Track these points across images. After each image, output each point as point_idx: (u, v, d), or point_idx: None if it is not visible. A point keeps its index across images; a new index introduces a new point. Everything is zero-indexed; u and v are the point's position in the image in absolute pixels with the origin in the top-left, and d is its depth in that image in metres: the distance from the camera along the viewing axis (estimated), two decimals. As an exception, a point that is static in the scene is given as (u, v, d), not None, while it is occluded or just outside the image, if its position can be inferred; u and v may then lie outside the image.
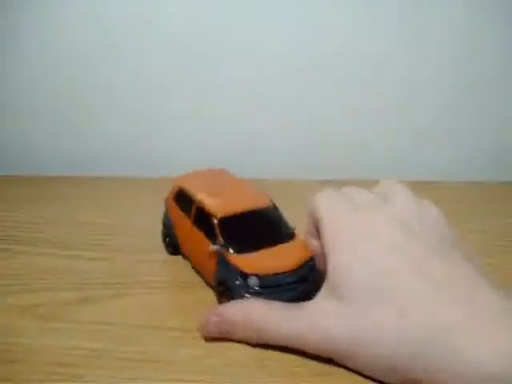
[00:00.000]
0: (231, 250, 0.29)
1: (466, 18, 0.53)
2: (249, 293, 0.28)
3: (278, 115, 0.56)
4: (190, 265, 0.35)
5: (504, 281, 0.25)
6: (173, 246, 0.37)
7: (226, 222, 0.30)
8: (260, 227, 0.31)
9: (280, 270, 0.28)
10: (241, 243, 0.30)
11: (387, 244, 0.25)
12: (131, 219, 0.44)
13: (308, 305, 0.26)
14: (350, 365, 0.25)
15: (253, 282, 0.28)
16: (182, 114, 0.56)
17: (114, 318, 0.30)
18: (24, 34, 0.54)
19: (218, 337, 0.27)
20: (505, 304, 0.22)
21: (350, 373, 0.25)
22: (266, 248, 0.30)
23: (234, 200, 0.32)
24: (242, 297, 0.28)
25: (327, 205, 0.28)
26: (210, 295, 0.32)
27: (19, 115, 0.57)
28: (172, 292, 0.33)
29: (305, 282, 0.29)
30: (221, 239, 0.30)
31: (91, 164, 0.56)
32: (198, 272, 0.34)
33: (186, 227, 0.33)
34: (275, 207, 0.32)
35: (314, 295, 0.27)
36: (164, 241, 0.38)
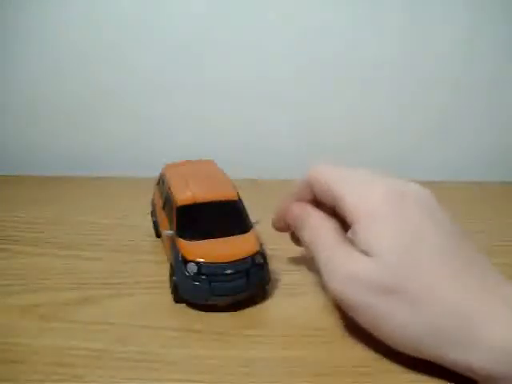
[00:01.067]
0: (180, 237, 0.31)
1: (466, 18, 0.53)
2: (187, 278, 0.29)
3: (278, 115, 0.56)
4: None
5: None
6: (155, 229, 0.39)
7: (185, 209, 0.31)
8: (216, 218, 0.32)
9: (219, 260, 0.29)
10: (192, 231, 0.31)
11: (418, 226, 0.25)
12: (131, 219, 0.44)
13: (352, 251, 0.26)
14: (362, 322, 0.26)
15: (191, 268, 0.29)
16: (182, 115, 0.56)
17: (114, 318, 0.30)
18: (24, 35, 0.54)
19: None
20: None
21: (349, 373, 0.25)
22: (216, 238, 0.30)
23: (201, 190, 0.33)
24: (182, 281, 0.29)
25: (343, 176, 0.29)
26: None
27: (19, 115, 0.57)
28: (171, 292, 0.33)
29: (244, 275, 0.29)
30: (175, 225, 0.31)
31: (91, 164, 0.56)
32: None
33: (159, 211, 0.36)
34: (239, 202, 0.33)
35: (253, 290, 0.30)
36: (153, 224, 0.40)
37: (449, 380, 0.24)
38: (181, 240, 0.31)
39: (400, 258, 0.24)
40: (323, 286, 0.27)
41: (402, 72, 0.55)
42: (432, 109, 0.57)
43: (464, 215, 0.45)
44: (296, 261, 0.37)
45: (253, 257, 0.30)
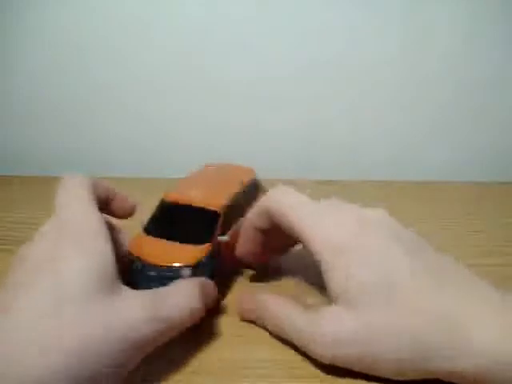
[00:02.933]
0: (145, 230, 0.31)
1: (466, 18, 0.53)
2: (132, 271, 0.29)
3: (278, 115, 0.56)
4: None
5: (504, 281, 0.25)
6: None
7: (166, 206, 0.32)
8: (187, 223, 0.31)
9: (149, 261, 0.29)
10: (156, 228, 0.31)
11: (381, 250, 0.25)
12: (131, 219, 0.44)
13: (321, 310, 0.26)
14: (357, 368, 0.25)
15: (136, 263, 0.29)
16: (182, 115, 0.56)
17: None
18: (24, 36, 0.54)
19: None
20: (497, 293, 0.23)
21: (349, 373, 0.25)
22: (172, 241, 0.30)
23: (195, 193, 0.33)
24: (130, 273, 0.29)
25: (302, 209, 0.28)
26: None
27: (19, 116, 0.57)
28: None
29: (165, 282, 0.28)
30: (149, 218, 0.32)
31: (91, 164, 0.56)
32: None
33: None
34: (218, 214, 0.31)
35: None
36: None
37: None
38: (141, 234, 0.31)
39: (372, 295, 0.24)
40: (307, 352, 0.26)
41: (402, 72, 0.55)
42: (432, 109, 0.57)
43: (463, 215, 0.45)
44: (297, 261, 0.37)
45: (179, 268, 0.29)
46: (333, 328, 0.24)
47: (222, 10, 0.53)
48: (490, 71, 0.55)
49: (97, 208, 0.26)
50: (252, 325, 0.29)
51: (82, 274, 0.22)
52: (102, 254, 0.23)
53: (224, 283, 0.33)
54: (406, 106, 0.56)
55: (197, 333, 0.28)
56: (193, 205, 0.32)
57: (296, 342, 0.26)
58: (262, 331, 0.29)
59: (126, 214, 0.32)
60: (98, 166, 0.56)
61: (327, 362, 0.25)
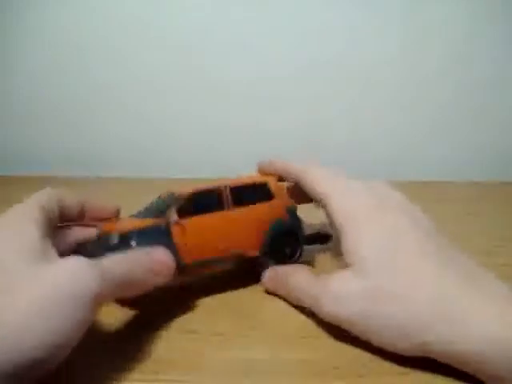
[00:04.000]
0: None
1: (466, 18, 0.53)
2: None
3: (278, 115, 0.56)
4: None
5: (504, 281, 0.25)
6: None
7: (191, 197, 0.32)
8: (158, 203, 0.32)
9: (102, 229, 0.30)
10: (140, 211, 0.33)
11: (397, 227, 0.27)
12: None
13: (331, 274, 0.28)
14: (359, 332, 0.26)
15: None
16: (182, 115, 0.56)
17: (114, 318, 0.30)
18: (24, 36, 0.54)
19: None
20: (496, 280, 0.24)
21: (349, 373, 0.25)
22: (136, 217, 0.32)
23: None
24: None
25: (333, 183, 0.30)
26: (209, 296, 0.32)
27: (19, 116, 0.57)
28: (172, 292, 0.33)
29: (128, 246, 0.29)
30: None
31: (91, 164, 0.57)
32: None
33: None
34: (180, 196, 0.31)
35: None
36: None
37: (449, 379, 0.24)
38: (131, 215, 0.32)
39: (380, 262, 0.26)
40: (317, 314, 0.28)
41: (402, 72, 0.55)
42: (432, 109, 0.57)
43: (463, 215, 0.45)
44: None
45: (110, 235, 0.29)
46: (338, 286, 0.26)
47: (222, 10, 0.53)
48: (490, 71, 0.55)
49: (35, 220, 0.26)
50: (252, 325, 0.29)
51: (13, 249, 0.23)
52: (24, 232, 0.24)
53: (224, 284, 0.33)
54: (406, 105, 0.56)
55: (197, 333, 0.28)
56: (172, 191, 0.32)
57: (308, 304, 0.28)
58: (262, 331, 0.29)
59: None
60: (98, 166, 0.56)
61: (333, 321, 0.27)
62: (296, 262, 0.33)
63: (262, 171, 0.35)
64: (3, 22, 0.53)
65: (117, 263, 0.25)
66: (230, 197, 0.32)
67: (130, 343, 0.28)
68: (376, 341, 0.26)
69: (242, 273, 0.35)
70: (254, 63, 0.54)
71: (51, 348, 0.21)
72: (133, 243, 0.28)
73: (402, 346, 0.25)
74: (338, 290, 0.26)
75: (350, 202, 0.29)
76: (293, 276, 0.30)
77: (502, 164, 0.57)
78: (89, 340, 0.28)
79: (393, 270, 0.25)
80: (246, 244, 0.32)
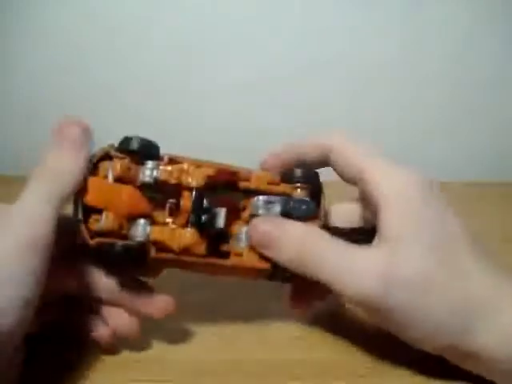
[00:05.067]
0: None
1: (466, 18, 0.53)
2: None
3: (278, 116, 0.56)
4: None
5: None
6: None
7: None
8: None
9: None
10: None
11: (438, 216, 0.25)
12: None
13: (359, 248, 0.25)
14: (382, 322, 0.25)
15: None
16: (182, 115, 0.56)
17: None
18: (24, 36, 0.54)
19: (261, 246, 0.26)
20: None
21: (349, 373, 0.25)
22: None
23: None
24: None
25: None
26: (209, 296, 0.32)
27: (19, 115, 0.57)
28: (171, 292, 0.33)
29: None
30: None
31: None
32: None
33: None
34: None
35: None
36: None
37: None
38: None
39: (426, 247, 0.24)
40: (336, 292, 0.25)
41: (401, 72, 0.55)
42: (432, 109, 0.57)
43: (463, 215, 0.45)
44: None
45: None
46: (370, 267, 0.24)
47: (222, 9, 0.53)
48: (490, 71, 0.55)
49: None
50: (252, 325, 0.29)
51: None
52: None
53: (224, 283, 0.33)
54: (406, 105, 0.56)
55: (196, 332, 0.28)
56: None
57: (324, 278, 0.25)
58: (262, 331, 0.29)
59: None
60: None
61: (351, 302, 0.25)
62: None
63: (271, 167, 0.32)
64: (3, 22, 0.53)
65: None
66: None
67: (130, 343, 0.28)
68: (395, 328, 0.24)
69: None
70: (254, 63, 0.54)
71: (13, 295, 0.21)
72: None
73: (436, 343, 0.24)
74: (369, 271, 0.24)
75: (398, 177, 0.26)
76: (307, 233, 0.26)
77: (501, 164, 0.57)
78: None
79: (439, 259, 0.24)
80: None
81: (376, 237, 0.25)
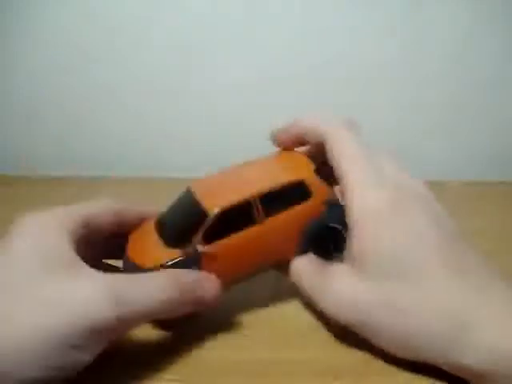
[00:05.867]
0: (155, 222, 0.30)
1: (466, 18, 0.53)
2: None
3: (278, 116, 0.56)
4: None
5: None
6: None
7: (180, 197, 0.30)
8: (182, 219, 0.29)
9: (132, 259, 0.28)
10: (160, 222, 0.30)
11: (413, 228, 0.25)
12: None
13: (334, 270, 0.27)
14: (361, 334, 0.26)
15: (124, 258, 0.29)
16: (182, 115, 0.56)
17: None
18: (24, 36, 0.54)
19: None
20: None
21: (349, 373, 0.25)
22: (161, 239, 0.28)
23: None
24: None
25: (361, 168, 0.27)
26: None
27: (19, 115, 0.57)
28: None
29: None
30: None
31: (91, 164, 0.57)
32: None
33: None
34: (207, 215, 0.27)
35: None
36: None
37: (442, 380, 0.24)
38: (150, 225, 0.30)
39: (392, 268, 0.24)
40: (315, 306, 0.28)
41: (401, 72, 0.55)
42: (432, 109, 0.56)
43: (463, 215, 0.45)
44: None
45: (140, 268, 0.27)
46: (342, 289, 0.25)
47: (222, 9, 0.53)
48: (490, 71, 0.55)
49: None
50: (253, 324, 0.29)
51: (27, 252, 0.22)
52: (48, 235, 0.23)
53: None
54: (406, 105, 0.56)
55: (198, 332, 0.28)
56: (197, 199, 0.28)
57: (306, 294, 0.28)
58: (262, 331, 0.29)
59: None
60: (98, 166, 0.56)
61: (337, 321, 0.26)
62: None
63: (280, 142, 0.33)
64: (3, 22, 0.53)
65: (147, 295, 0.23)
66: (260, 208, 0.27)
67: (130, 343, 0.28)
68: (378, 345, 0.25)
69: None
70: (254, 63, 0.54)
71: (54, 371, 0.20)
72: None
73: (407, 355, 0.24)
74: (340, 292, 0.25)
75: (371, 195, 0.26)
76: (297, 259, 0.29)
77: (502, 164, 0.57)
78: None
79: (406, 280, 0.24)
80: (282, 252, 0.29)
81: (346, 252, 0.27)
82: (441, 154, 0.58)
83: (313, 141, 0.30)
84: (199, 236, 0.26)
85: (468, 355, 0.22)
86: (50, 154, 0.58)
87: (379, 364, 0.26)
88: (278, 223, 0.28)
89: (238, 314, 0.30)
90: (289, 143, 0.32)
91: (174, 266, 0.26)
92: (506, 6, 0.52)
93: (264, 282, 0.34)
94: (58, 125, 0.57)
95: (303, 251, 0.29)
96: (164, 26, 0.53)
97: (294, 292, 0.33)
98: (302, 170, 0.29)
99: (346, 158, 0.27)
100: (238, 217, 0.27)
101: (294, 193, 0.28)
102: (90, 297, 0.21)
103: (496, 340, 0.22)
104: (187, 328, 0.29)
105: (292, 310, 0.31)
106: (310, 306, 0.31)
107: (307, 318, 0.30)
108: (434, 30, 0.53)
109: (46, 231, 0.24)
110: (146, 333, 0.29)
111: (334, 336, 0.28)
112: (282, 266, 0.30)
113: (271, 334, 0.29)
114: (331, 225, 0.29)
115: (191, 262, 0.26)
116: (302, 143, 0.32)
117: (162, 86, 0.55)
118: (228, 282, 0.28)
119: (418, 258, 0.24)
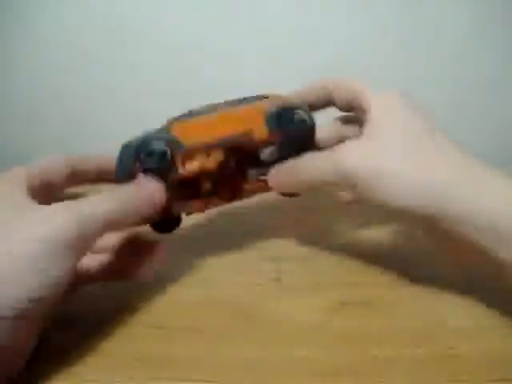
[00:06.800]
0: None
1: (466, 18, 0.53)
2: None
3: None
4: (192, 266, 0.35)
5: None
6: None
7: None
8: None
9: None
10: None
11: (418, 111, 0.32)
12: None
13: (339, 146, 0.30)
14: (368, 197, 0.28)
15: None
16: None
17: (114, 317, 0.30)
18: (24, 36, 0.54)
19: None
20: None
21: (349, 373, 0.25)
22: None
23: None
24: None
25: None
26: (210, 294, 0.32)
27: (19, 115, 0.57)
28: (172, 291, 0.33)
29: None
30: None
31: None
32: None
33: None
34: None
35: None
36: None
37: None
38: None
39: (399, 136, 0.29)
40: (332, 176, 0.29)
41: (401, 72, 0.55)
42: (432, 109, 0.56)
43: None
44: (297, 261, 0.37)
45: None
46: (348, 148, 0.29)
47: (222, 9, 0.53)
48: (490, 71, 0.55)
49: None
50: (252, 325, 0.29)
51: None
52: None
53: (224, 282, 0.33)
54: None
55: (196, 331, 0.28)
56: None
57: (321, 173, 0.29)
58: (262, 331, 0.29)
59: None
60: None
61: (348, 180, 0.28)
62: None
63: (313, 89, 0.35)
64: (3, 22, 0.53)
65: (101, 203, 0.25)
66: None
67: (130, 343, 0.28)
68: (382, 200, 0.27)
69: (243, 272, 0.35)
70: (254, 63, 0.54)
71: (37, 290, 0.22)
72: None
73: (412, 203, 0.27)
74: (350, 159, 0.28)
75: (383, 94, 0.32)
76: (301, 158, 0.31)
77: (502, 164, 0.57)
78: (89, 340, 0.28)
79: (406, 150, 0.28)
80: (247, 123, 0.31)
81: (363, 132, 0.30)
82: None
83: (320, 98, 0.34)
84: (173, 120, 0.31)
85: (473, 201, 0.26)
86: (50, 153, 0.58)
87: (379, 364, 0.26)
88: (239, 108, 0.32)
89: (238, 314, 0.30)
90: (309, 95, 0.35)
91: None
92: (507, 5, 0.52)
93: (264, 281, 0.34)
94: (58, 125, 0.57)
95: (271, 129, 0.31)
96: (164, 26, 0.53)
97: (294, 292, 0.33)
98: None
99: (359, 84, 0.33)
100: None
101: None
102: (49, 214, 0.23)
103: (498, 188, 0.28)
104: (187, 328, 0.29)
105: (292, 310, 0.31)
106: (311, 306, 0.31)
107: (307, 317, 0.30)
108: (433, 29, 0.53)
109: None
110: (146, 332, 0.29)
111: (334, 336, 0.28)
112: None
113: (271, 333, 0.29)
114: (290, 106, 0.32)
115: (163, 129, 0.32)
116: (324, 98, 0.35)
117: (162, 86, 0.55)
118: (195, 141, 0.30)
119: (419, 130, 0.30)
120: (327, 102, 0.34)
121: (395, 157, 0.27)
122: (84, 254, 0.25)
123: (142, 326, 0.29)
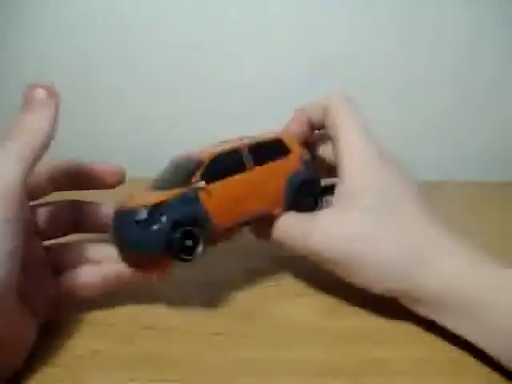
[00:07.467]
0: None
1: (467, 18, 0.53)
2: None
3: (278, 116, 0.56)
4: (192, 266, 0.35)
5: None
6: None
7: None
8: (175, 170, 0.33)
9: (126, 205, 0.31)
10: (157, 180, 0.34)
11: (395, 171, 0.30)
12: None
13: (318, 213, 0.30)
14: (341, 271, 0.28)
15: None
16: (183, 115, 0.56)
17: (114, 318, 0.30)
18: (24, 35, 0.54)
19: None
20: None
21: (349, 373, 0.25)
22: (156, 189, 0.32)
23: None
24: None
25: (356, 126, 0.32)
26: (210, 294, 0.32)
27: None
28: (172, 292, 0.33)
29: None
30: None
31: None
32: None
33: None
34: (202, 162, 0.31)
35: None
36: None
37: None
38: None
39: (375, 201, 0.28)
40: (300, 247, 0.29)
41: (401, 72, 0.55)
42: (432, 109, 0.57)
43: (463, 215, 0.45)
44: (297, 261, 0.37)
45: (136, 209, 0.29)
46: (329, 223, 0.28)
47: (221, 10, 0.53)
48: (491, 71, 0.55)
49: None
50: (252, 325, 0.29)
51: None
52: None
53: (224, 283, 0.33)
54: (406, 105, 0.56)
55: (196, 332, 0.28)
56: (190, 155, 0.33)
57: (295, 242, 0.30)
58: (262, 331, 0.29)
59: (113, 183, 0.35)
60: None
61: (318, 259, 0.29)
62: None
63: (292, 131, 0.36)
64: (3, 21, 0.53)
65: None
66: (250, 157, 0.32)
67: (130, 343, 0.28)
68: (356, 280, 0.28)
69: (243, 272, 0.35)
70: (255, 63, 0.54)
71: None
72: (163, 218, 0.28)
73: (384, 287, 0.27)
74: (328, 226, 0.28)
75: (360, 146, 0.31)
76: (281, 217, 0.31)
77: (502, 164, 0.57)
78: (89, 340, 0.28)
79: (383, 216, 0.28)
80: (270, 202, 0.32)
81: (334, 196, 0.30)
82: (441, 154, 0.58)
83: (317, 118, 0.35)
84: (197, 175, 0.30)
85: (424, 281, 0.26)
86: (49, 153, 0.58)
87: (379, 364, 0.26)
88: (264, 172, 0.32)
89: (238, 314, 0.30)
90: (298, 130, 0.36)
91: (176, 201, 0.29)
92: (507, 5, 0.52)
93: (264, 281, 0.34)
94: (57, 124, 0.57)
95: (288, 207, 0.32)
96: (164, 26, 0.53)
97: (294, 292, 0.33)
98: (282, 133, 0.36)
99: (342, 120, 0.32)
100: (229, 162, 0.31)
101: (275, 148, 0.34)
102: None
103: (450, 266, 0.26)
104: (187, 328, 0.29)
105: (292, 310, 0.31)
106: (311, 306, 0.31)
107: (307, 317, 0.30)
108: (433, 29, 0.53)
109: None
110: (146, 333, 0.29)
111: (334, 336, 0.28)
112: (263, 231, 0.32)
113: (271, 333, 0.29)
114: (310, 177, 0.33)
115: (192, 198, 0.29)
116: (311, 127, 0.36)
117: (162, 86, 0.55)
118: (224, 222, 0.30)
119: (397, 193, 0.28)
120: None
121: (364, 234, 0.27)
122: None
123: (142, 327, 0.29)
